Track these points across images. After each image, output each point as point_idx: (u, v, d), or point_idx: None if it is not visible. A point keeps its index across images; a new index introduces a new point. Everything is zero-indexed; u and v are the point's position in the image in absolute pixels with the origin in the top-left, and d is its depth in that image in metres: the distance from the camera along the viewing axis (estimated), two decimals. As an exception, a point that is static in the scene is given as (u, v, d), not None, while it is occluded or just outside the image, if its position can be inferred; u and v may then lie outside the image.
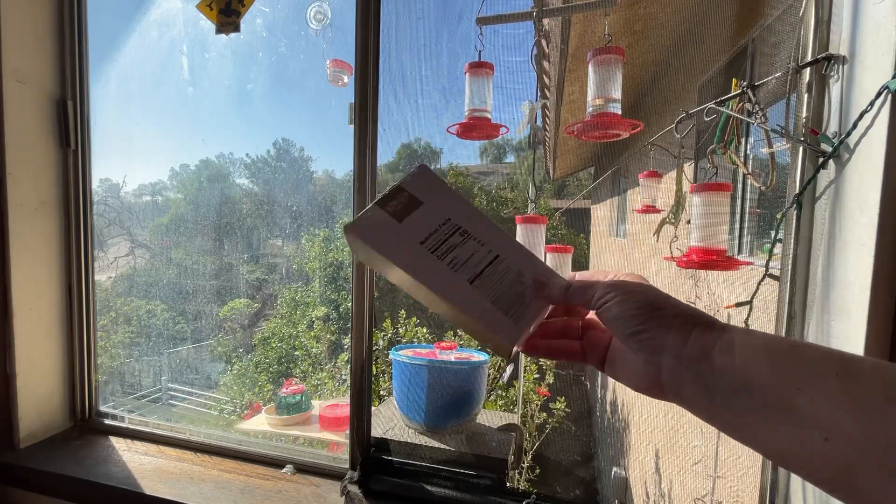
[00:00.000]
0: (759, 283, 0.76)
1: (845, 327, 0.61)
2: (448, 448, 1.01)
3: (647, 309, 0.35)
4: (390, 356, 1.15)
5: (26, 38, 1.06)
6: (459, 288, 0.43)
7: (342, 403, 2.05)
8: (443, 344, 1.22)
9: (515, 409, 3.08)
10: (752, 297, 0.78)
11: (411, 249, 0.43)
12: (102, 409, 1.23)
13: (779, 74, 0.71)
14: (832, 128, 0.64)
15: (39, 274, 1.12)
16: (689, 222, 0.94)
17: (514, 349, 0.42)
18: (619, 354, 0.39)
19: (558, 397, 3.49)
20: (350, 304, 0.96)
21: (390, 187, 0.46)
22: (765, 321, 1.68)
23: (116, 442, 1.14)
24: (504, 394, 3.26)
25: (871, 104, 0.57)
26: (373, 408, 1.02)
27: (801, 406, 0.27)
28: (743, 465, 1.95)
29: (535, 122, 1.06)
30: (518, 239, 0.99)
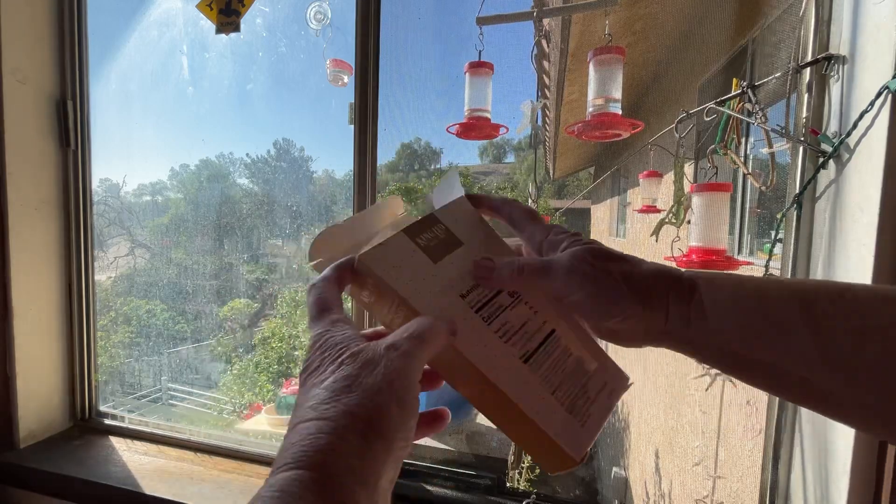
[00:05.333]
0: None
1: (845, 327, 0.61)
2: (448, 448, 1.01)
3: (624, 300, 0.31)
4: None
5: (26, 38, 1.06)
6: (509, 365, 0.32)
7: (342, 403, 2.04)
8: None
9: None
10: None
11: (449, 302, 0.32)
12: (102, 408, 1.23)
13: (779, 74, 0.71)
14: (832, 128, 0.64)
15: (39, 274, 1.12)
16: (689, 222, 0.94)
17: (576, 461, 0.31)
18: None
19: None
20: (350, 304, 0.96)
21: (422, 217, 0.36)
22: (765, 321, 1.68)
23: (116, 442, 1.13)
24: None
25: (872, 104, 0.57)
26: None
27: (775, 362, 0.28)
28: (743, 465, 1.95)
29: (536, 121, 1.06)
30: None
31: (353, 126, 0.95)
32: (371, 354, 0.28)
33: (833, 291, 0.28)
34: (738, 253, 2.34)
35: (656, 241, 1.15)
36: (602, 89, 0.91)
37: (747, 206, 2.30)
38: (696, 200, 0.90)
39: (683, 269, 0.32)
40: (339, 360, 0.28)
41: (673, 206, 1.06)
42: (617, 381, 0.36)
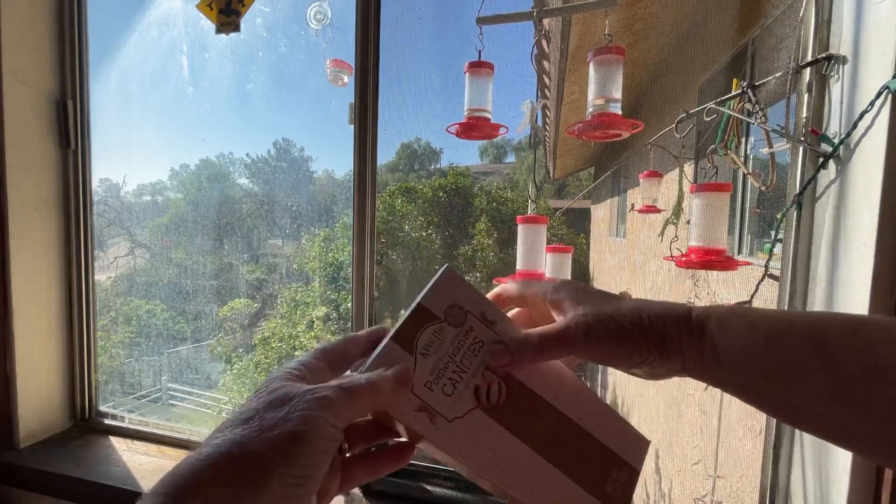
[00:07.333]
0: (758, 283, 0.76)
1: (845, 327, 0.61)
2: (448, 448, 1.00)
3: (643, 347, 0.32)
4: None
5: (26, 38, 1.06)
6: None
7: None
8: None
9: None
10: (752, 297, 0.78)
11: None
12: (102, 409, 1.23)
13: (779, 74, 0.71)
14: (832, 128, 0.64)
15: (39, 274, 1.12)
16: (688, 222, 0.94)
17: None
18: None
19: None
20: (350, 304, 0.96)
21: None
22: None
23: (116, 442, 1.13)
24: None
25: (872, 104, 0.57)
26: (373, 408, 1.01)
27: (792, 401, 0.29)
28: (743, 465, 1.95)
29: (536, 121, 1.06)
30: (519, 239, 0.99)
31: (353, 126, 0.95)
32: (286, 392, 0.28)
33: (847, 329, 0.28)
34: (738, 253, 2.34)
35: (661, 241, 1.15)
36: (602, 89, 0.91)
37: (747, 206, 2.30)
38: (696, 200, 0.90)
39: (691, 307, 0.33)
40: (258, 394, 0.29)
41: (675, 206, 1.07)
42: (633, 449, 0.36)
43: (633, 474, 0.34)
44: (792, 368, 0.28)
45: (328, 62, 1.40)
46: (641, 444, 0.36)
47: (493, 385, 0.33)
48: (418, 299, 0.34)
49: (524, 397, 0.33)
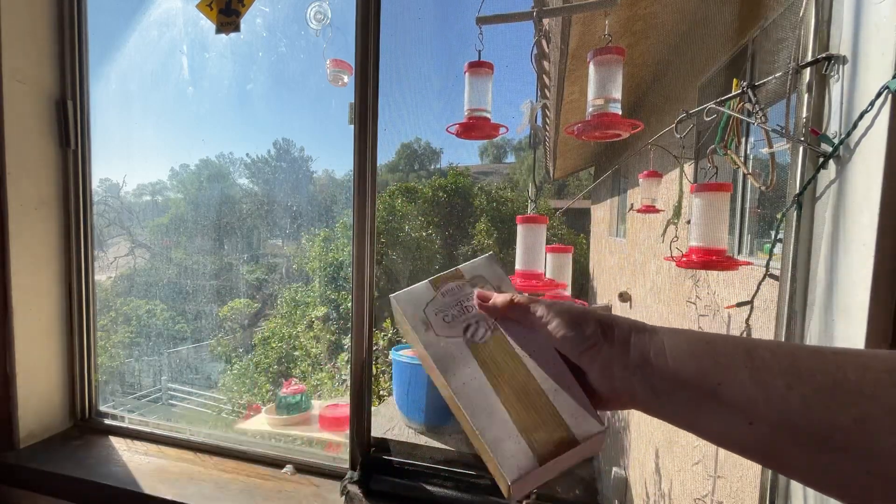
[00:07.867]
0: (759, 284, 0.76)
1: (846, 326, 0.61)
2: (448, 448, 1.01)
3: (591, 325, 0.37)
4: (390, 356, 1.15)
5: (26, 38, 1.06)
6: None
7: (342, 403, 2.05)
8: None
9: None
10: (753, 297, 0.78)
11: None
12: (102, 408, 1.23)
13: (779, 74, 0.71)
14: (832, 128, 0.64)
15: (39, 273, 1.12)
16: (688, 222, 0.94)
17: (514, 488, 0.36)
18: None
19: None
20: (350, 304, 0.96)
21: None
22: (765, 321, 1.68)
23: (116, 442, 1.13)
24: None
25: (872, 104, 0.57)
26: (373, 408, 1.01)
27: (724, 397, 0.31)
28: (743, 465, 1.95)
29: (535, 122, 1.06)
30: (518, 239, 0.99)
31: (353, 126, 0.95)
32: None
33: (773, 343, 0.33)
34: (738, 253, 2.34)
35: (663, 241, 1.15)
36: (602, 89, 0.91)
37: (747, 206, 2.30)
38: (696, 200, 0.90)
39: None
40: None
41: (676, 206, 1.07)
42: (584, 426, 0.38)
43: (571, 441, 0.37)
44: (725, 366, 0.32)
45: (328, 62, 1.40)
46: (595, 427, 0.37)
47: (480, 328, 0.43)
48: (460, 266, 0.47)
49: (502, 345, 0.42)
